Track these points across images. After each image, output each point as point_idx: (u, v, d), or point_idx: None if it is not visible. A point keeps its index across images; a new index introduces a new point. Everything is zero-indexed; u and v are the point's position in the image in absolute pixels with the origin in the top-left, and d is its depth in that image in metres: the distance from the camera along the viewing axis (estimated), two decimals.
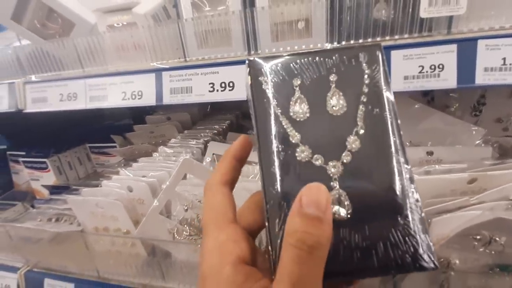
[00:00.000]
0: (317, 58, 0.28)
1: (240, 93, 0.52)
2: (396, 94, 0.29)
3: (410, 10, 0.44)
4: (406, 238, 0.23)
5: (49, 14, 0.61)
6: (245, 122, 0.98)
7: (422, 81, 0.44)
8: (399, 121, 0.26)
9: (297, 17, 0.50)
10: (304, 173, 0.25)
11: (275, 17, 0.50)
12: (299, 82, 0.27)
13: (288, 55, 0.28)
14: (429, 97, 0.78)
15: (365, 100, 0.26)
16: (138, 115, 1.00)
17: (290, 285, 0.20)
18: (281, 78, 0.27)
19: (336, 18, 0.47)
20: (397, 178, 0.24)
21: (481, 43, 0.42)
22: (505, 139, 0.66)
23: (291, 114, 0.26)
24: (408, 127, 0.68)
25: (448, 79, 0.43)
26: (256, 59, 0.28)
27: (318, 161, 0.25)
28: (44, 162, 0.90)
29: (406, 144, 0.68)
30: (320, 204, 0.20)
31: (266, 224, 0.24)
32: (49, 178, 0.92)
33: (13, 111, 0.67)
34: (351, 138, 0.25)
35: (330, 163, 0.25)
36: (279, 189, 0.24)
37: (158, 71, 0.57)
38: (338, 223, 0.23)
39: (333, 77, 0.27)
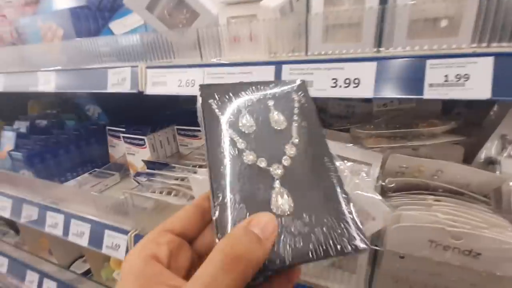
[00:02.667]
0: (258, 87, 0.36)
1: (365, 91, 0.52)
2: None
3: None
4: (340, 222, 0.27)
5: (178, 4, 0.65)
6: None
7: None
8: (323, 131, 0.34)
9: (440, 15, 0.47)
10: (250, 173, 0.29)
11: (415, 13, 0.48)
12: (244, 103, 0.34)
13: (235, 84, 0.36)
14: None
15: (296, 118, 0.34)
16: None
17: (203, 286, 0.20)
18: (228, 100, 0.34)
19: (491, 18, 0.44)
20: (327, 175, 0.31)
21: None
22: None
23: (239, 126, 0.32)
24: None
25: None
26: (207, 84, 0.36)
27: (262, 163, 0.30)
28: (143, 139, 0.99)
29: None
30: (266, 230, 0.24)
31: (214, 220, 0.26)
32: (145, 154, 1.01)
33: (134, 92, 0.74)
34: (288, 146, 0.32)
35: (273, 166, 0.30)
36: (228, 188, 0.28)
37: (278, 64, 0.58)
38: (281, 216, 0.27)
39: (271, 102, 0.35)
